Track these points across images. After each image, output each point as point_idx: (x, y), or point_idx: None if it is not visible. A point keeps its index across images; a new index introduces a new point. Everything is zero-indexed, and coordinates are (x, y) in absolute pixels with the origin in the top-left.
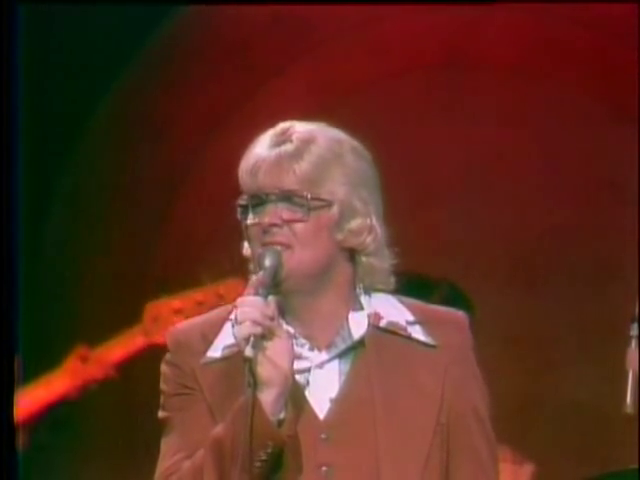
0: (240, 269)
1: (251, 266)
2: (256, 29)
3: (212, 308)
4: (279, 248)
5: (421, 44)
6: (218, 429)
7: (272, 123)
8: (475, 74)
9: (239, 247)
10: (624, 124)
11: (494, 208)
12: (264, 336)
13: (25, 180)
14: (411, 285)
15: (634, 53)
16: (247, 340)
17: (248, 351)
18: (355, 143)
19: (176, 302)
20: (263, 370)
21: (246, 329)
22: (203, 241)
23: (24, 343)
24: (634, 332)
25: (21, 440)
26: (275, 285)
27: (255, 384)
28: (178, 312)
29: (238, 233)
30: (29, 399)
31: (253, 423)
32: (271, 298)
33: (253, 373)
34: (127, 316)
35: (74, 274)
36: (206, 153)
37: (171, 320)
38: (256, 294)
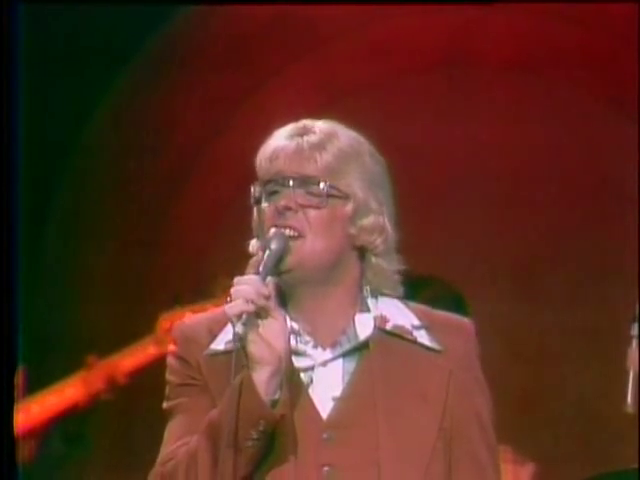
0: None
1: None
2: (256, 29)
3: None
4: (289, 232)
5: (421, 44)
6: (213, 412)
7: (272, 123)
8: (475, 73)
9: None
10: (624, 123)
11: (494, 208)
12: (258, 315)
13: (25, 180)
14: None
15: (634, 53)
16: (239, 317)
17: (239, 328)
18: (372, 147)
19: (189, 314)
20: (256, 349)
21: (238, 306)
22: (205, 242)
23: (27, 353)
24: (634, 332)
25: (27, 451)
26: (281, 272)
27: (248, 362)
28: None
29: (240, 233)
30: (39, 408)
31: (245, 401)
32: (270, 279)
33: (245, 352)
34: (130, 323)
35: (74, 280)
36: (207, 152)
37: None
38: (256, 274)
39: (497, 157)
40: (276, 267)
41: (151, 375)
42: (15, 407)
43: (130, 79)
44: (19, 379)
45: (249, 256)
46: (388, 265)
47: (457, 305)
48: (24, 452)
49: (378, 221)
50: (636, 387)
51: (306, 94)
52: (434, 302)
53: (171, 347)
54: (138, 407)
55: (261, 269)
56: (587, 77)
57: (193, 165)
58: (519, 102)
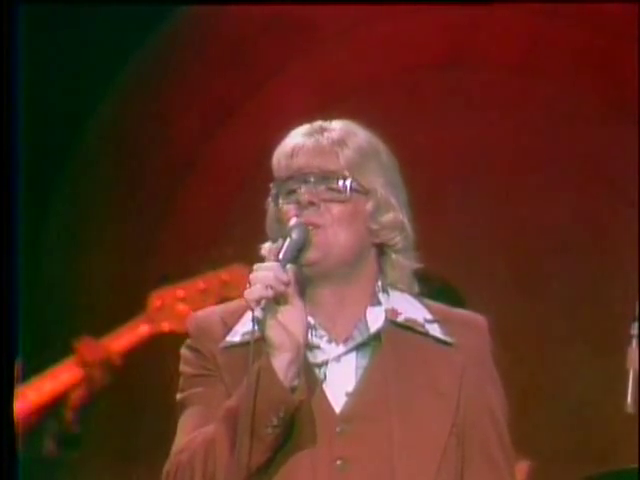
0: (243, 254)
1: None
2: (256, 29)
3: (216, 295)
4: (311, 229)
5: (421, 44)
6: (231, 400)
7: (272, 122)
8: (475, 74)
9: (239, 235)
10: (624, 124)
11: (494, 208)
12: (277, 301)
13: (25, 179)
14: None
15: (634, 53)
16: (258, 302)
17: (257, 312)
18: (386, 147)
19: (180, 290)
20: (274, 334)
21: (257, 291)
22: (205, 237)
23: (25, 342)
24: (634, 331)
25: (25, 439)
26: (302, 264)
27: (266, 349)
28: (182, 300)
29: (239, 229)
30: (34, 392)
31: (265, 387)
32: (289, 267)
33: (264, 338)
34: (127, 312)
35: (74, 270)
36: (207, 152)
37: (175, 308)
38: (275, 261)
39: (497, 157)
40: (296, 257)
41: (147, 369)
42: (15, 401)
43: (130, 79)
44: (17, 373)
45: (239, 245)
46: (407, 262)
47: (457, 301)
48: (23, 441)
49: (398, 218)
50: (636, 387)
51: (306, 94)
52: (434, 297)
53: (187, 340)
54: (134, 403)
55: (281, 257)
56: (587, 77)
57: (193, 162)
58: (519, 102)
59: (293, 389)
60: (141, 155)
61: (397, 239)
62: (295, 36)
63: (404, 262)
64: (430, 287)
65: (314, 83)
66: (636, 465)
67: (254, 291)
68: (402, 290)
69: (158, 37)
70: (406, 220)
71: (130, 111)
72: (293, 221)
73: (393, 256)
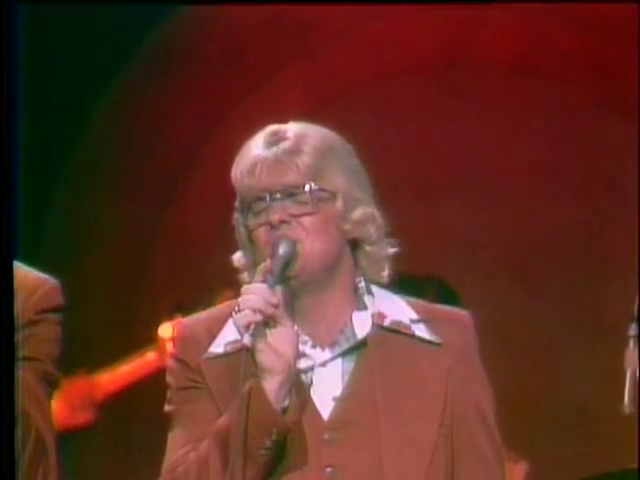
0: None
1: (245, 275)
2: (255, 29)
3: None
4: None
5: (421, 44)
6: (222, 419)
7: (271, 123)
8: (475, 74)
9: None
10: (624, 124)
11: (494, 207)
12: (267, 324)
13: (25, 179)
14: (400, 284)
15: (634, 53)
16: (247, 328)
17: (246, 339)
18: (337, 135)
19: None
20: (265, 358)
21: (246, 317)
22: (204, 240)
23: None
24: (633, 332)
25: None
26: (287, 278)
27: (256, 372)
28: None
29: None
30: None
31: (257, 411)
32: (278, 287)
33: (254, 361)
34: (131, 332)
35: (73, 288)
36: (204, 152)
37: None
38: (263, 282)
39: (497, 157)
40: (284, 273)
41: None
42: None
43: (129, 79)
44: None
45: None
46: (383, 251)
47: (454, 305)
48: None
49: (367, 211)
50: (634, 387)
51: (305, 94)
52: (434, 302)
53: (172, 350)
54: (129, 409)
55: (269, 276)
56: (587, 77)
57: (191, 164)
58: (518, 102)
59: (284, 410)
60: (139, 155)
61: (371, 232)
62: (293, 36)
63: (379, 252)
64: (426, 290)
65: (312, 83)
66: (636, 465)
67: (242, 317)
68: (378, 283)
69: (157, 37)
70: (375, 209)
71: (128, 111)
72: (276, 238)
73: (368, 248)
